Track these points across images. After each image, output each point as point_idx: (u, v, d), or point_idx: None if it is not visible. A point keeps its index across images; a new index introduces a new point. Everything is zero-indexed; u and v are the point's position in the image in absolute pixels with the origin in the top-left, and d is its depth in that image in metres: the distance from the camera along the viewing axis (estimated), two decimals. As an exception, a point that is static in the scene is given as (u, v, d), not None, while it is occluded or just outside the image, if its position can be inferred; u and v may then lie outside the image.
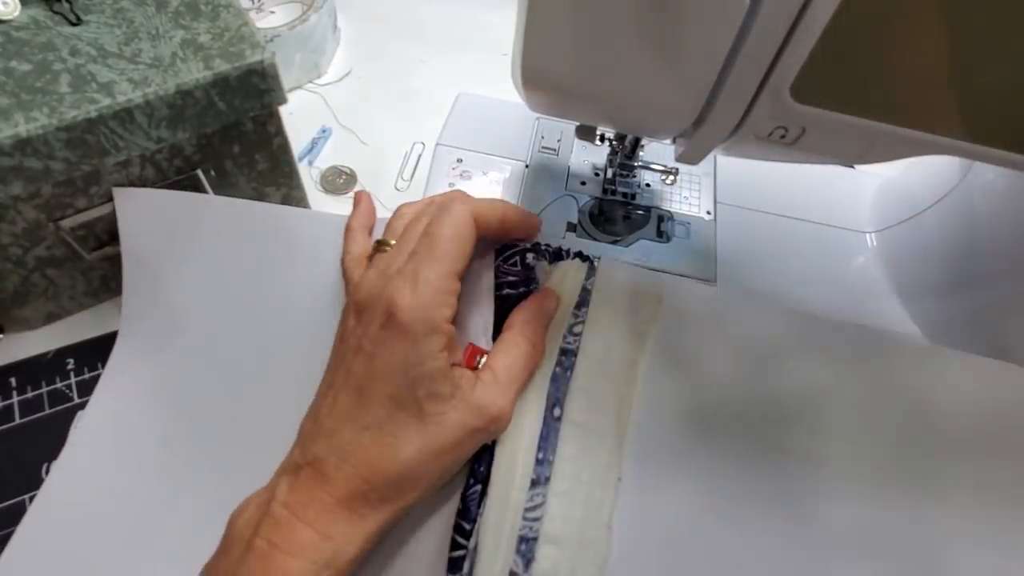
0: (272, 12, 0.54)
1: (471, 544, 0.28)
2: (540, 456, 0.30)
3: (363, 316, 0.28)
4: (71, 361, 0.37)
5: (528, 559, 0.28)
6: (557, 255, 0.34)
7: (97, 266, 0.38)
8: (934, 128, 0.24)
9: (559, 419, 0.31)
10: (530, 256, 0.33)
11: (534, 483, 0.29)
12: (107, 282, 0.39)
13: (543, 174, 0.45)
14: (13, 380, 0.36)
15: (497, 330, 0.32)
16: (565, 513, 0.29)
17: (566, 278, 0.34)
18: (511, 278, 0.33)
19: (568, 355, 0.32)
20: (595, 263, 0.34)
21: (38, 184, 0.31)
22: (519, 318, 0.31)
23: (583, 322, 0.33)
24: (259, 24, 0.50)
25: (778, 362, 0.34)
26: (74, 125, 0.29)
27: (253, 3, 0.54)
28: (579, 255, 0.34)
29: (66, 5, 0.33)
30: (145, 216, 0.35)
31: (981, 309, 0.39)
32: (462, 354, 0.30)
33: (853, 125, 0.24)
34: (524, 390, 0.30)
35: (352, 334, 0.28)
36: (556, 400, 0.31)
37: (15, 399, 0.35)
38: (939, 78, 0.22)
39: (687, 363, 0.34)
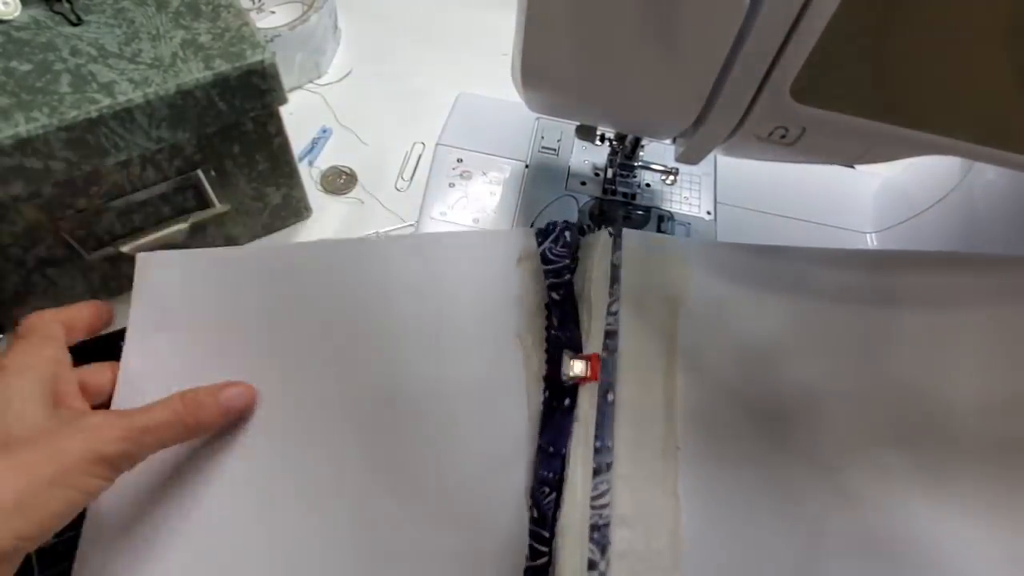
0: (272, 12, 0.54)
1: (553, 547, 0.28)
2: (598, 444, 0.30)
3: None
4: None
5: (603, 545, 0.28)
6: (581, 230, 0.36)
7: (97, 266, 0.38)
8: (934, 128, 0.24)
9: (612, 403, 0.31)
10: (567, 234, 0.35)
11: (596, 472, 0.29)
12: (107, 282, 0.39)
13: (543, 174, 0.45)
14: (13, 380, 0.36)
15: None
16: (632, 493, 0.29)
17: (595, 253, 0.34)
18: (561, 256, 0.34)
19: (612, 337, 0.32)
20: (620, 238, 0.35)
21: (38, 184, 0.31)
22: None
23: (618, 299, 0.33)
24: (259, 24, 0.50)
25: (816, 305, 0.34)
26: (74, 125, 0.29)
27: (253, 3, 0.54)
28: (605, 228, 0.35)
29: (67, 5, 0.33)
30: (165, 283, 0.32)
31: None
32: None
33: (853, 125, 0.24)
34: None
35: None
36: (608, 386, 0.31)
37: (15, 399, 0.35)
38: (939, 78, 0.22)
39: (722, 320, 0.34)
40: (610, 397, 0.31)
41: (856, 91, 0.23)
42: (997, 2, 0.20)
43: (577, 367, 0.31)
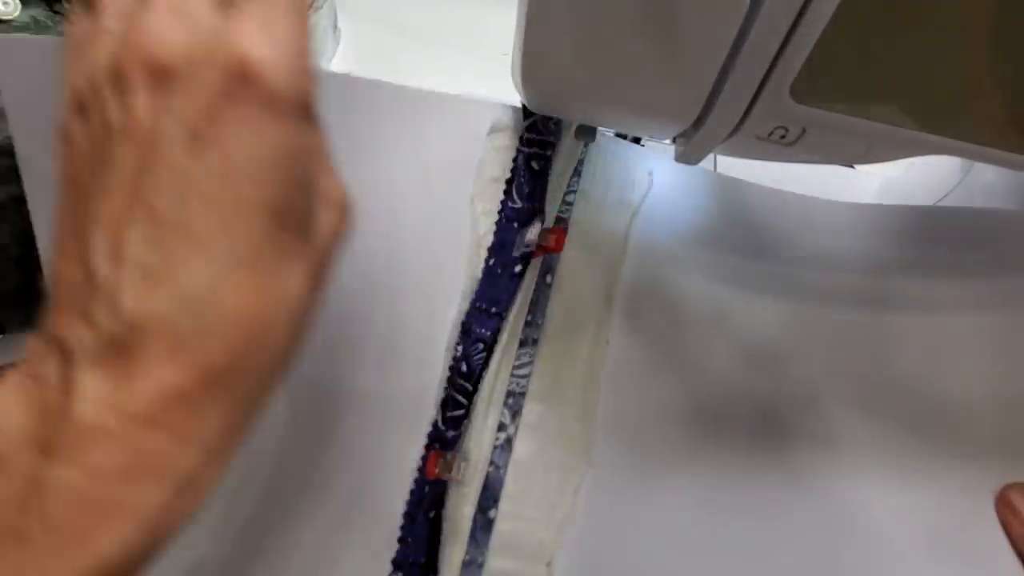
0: (272, 12, 0.54)
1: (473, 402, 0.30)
2: (529, 319, 0.31)
3: (173, 84, 0.16)
4: (71, 361, 0.37)
5: (515, 411, 0.30)
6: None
7: (97, 266, 0.37)
8: (934, 128, 0.24)
9: (550, 286, 0.32)
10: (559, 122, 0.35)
11: (522, 343, 0.31)
12: (107, 282, 0.39)
13: (543, 174, 0.45)
14: (13, 380, 0.36)
15: None
16: (551, 372, 0.31)
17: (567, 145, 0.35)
18: (550, 132, 0.34)
19: (561, 222, 0.33)
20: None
21: (38, 184, 0.31)
22: None
23: (575, 191, 0.34)
24: (259, 24, 0.50)
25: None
26: (74, 125, 0.29)
27: (253, 3, 0.54)
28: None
29: (67, 5, 0.33)
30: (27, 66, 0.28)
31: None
32: None
33: (853, 125, 0.24)
34: None
35: (149, 110, 0.16)
36: (550, 266, 0.32)
37: (15, 399, 0.35)
38: (939, 78, 0.22)
39: (677, 226, 0.35)
40: (548, 279, 0.32)
41: (856, 91, 0.23)
42: (997, 2, 0.20)
43: (533, 232, 0.32)
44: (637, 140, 0.41)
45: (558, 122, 0.35)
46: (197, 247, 0.16)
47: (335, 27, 0.55)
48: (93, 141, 0.17)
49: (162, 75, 0.16)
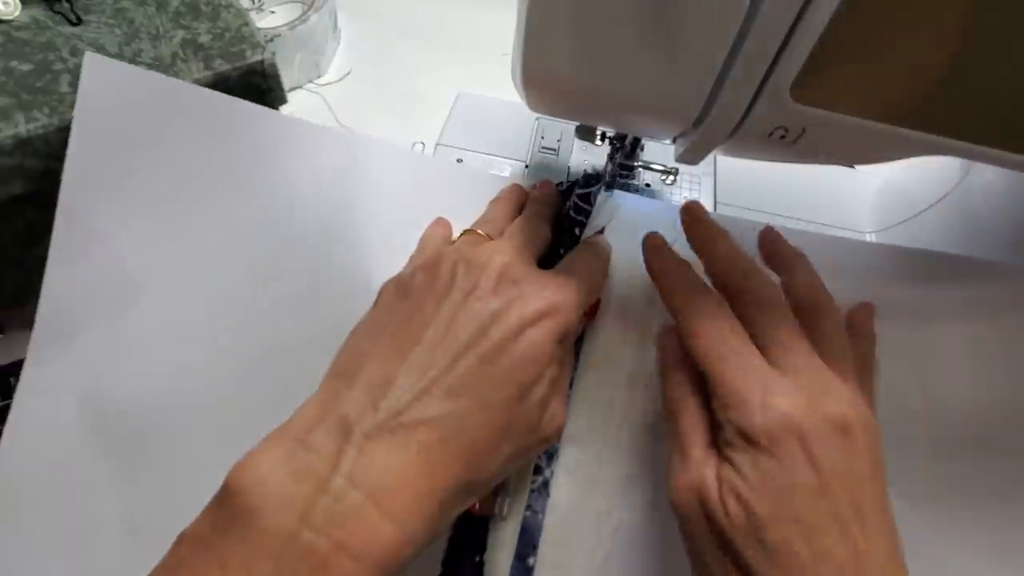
0: (272, 12, 0.54)
1: None
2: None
3: (512, 288, 0.24)
4: (71, 361, 0.37)
5: (551, 454, 0.30)
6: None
7: (97, 266, 0.38)
8: (934, 128, 0.24)
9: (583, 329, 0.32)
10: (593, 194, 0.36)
11: None
12: (107, 282, 0.39)
13: (543, 174, 0.45)
14: (13, 380, 0.36)
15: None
16: (589, 415, 0.31)
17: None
18: (582, 215, 0.35)
19: None
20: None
21: (39, 183, 0.31)
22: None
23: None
24: (259, 24, 0.50)
25: None
26: (74, 125, 0.29)
27: (253, 3, 0.54)
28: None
29: (66, 5, 0.33)
30: (112, 91, 0.31)
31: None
32: None
33: (853, 125, 0.24)
34: None
35: (489, 295, 0.24)
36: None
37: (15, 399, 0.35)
38: (939, 78, 0.22)
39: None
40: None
41: (856, 91, 0.23)
42: (997, 2, 0.20)
43: None
44: (637, 141, 0.41)
45: (589, 202, 0.36)
46: (465, 387, 0.22)
47: (335, 27, 0.55)
48: (443, 290, 0.25)
49: (472, 267, 0.25)
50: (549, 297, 0.24)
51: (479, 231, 0.29)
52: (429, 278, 0.25)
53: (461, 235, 0.30)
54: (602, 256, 0.31)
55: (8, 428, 0.31)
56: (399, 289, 0.25)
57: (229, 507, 0.19)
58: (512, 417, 0.22)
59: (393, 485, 0.19)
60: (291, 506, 0.18)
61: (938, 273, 0.35)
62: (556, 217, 0.34)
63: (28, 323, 0.38)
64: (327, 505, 0.18)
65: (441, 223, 0.34)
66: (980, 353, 0.32)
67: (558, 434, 0.26)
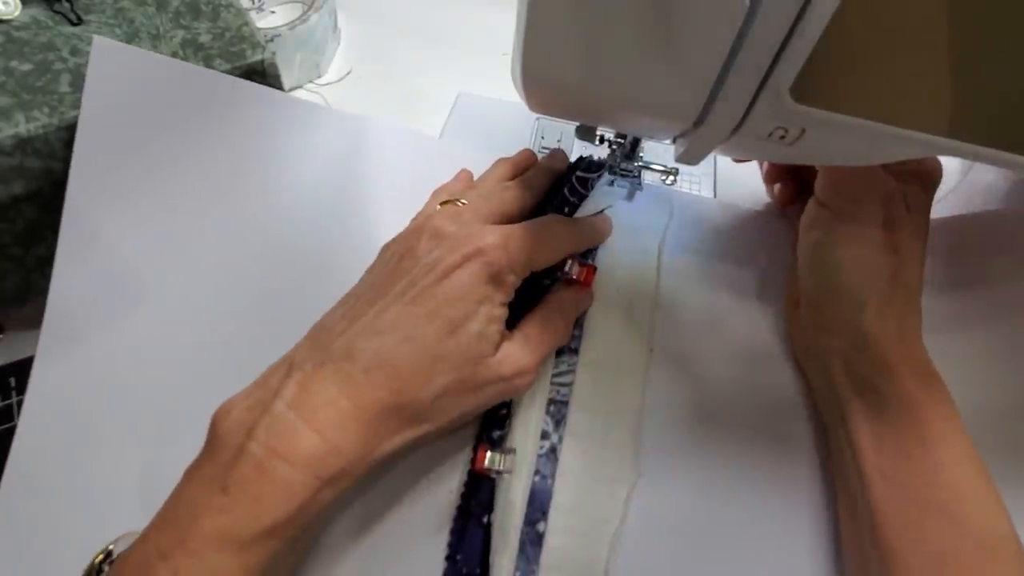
0: (272, 12, 0.54)
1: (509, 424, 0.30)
2: (576, 331, 0.32)
3: (443, 242, 0.28)
4: (71, 361, 0.37)
5: (558, 420, 0.30)
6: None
7: (97, 266, 0.38)
8: (934, 128, 0.24)
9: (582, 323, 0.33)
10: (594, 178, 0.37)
11: (561, 351, 0.31)
12: (107, 282, 0.39)
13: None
14: (13, 380, 0.36)
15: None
16: (595, 381, 0.31)
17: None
18: (576, 196, 0.36)
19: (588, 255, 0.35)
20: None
21: (39, 183, 0.31)
22: (564, 297, 0.32)
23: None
24: (259, 24, 0.50)
25: None
26: (74, 125, 0.29)
27: (253, 3, 0.54)
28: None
29: (67, 5, 0.33)
30: (121, 76, 0.32)
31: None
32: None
33: (853, 125, 0.24)
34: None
35: (425, 253, 0.28)
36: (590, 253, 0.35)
37: (15, 399, 0.35)
38: (939, 78, 0.22)
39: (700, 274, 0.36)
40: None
41: (856, 91, 0.23)
42: (997, 2, 0.20)
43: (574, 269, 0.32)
44: (637, 141, 0.41)
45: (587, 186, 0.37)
46: (391, 326, 0.26)
47: (335, 27, 0.55)
48: (406, 254, 0.29)
49: (438, 235, 0.29)
50: (475, 242, 0.27)
51: (459, 201, 0.32)
52: (393, 250, 0.30)
53: (440, 204, 0.33)
54: (573, 223, 0.34)
55: (18, 431, 0.32)
56: (397, 251, 0.30)
57: (209, 436, 0.24)
58: (444, 350, 0.26)
59: (320, 406, 0.23)
60: (242, 427, 0.23)
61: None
62: (553, 189, 0.35)
63: (28, 323, 0.38)
64: (268, 423, 0.23)
65: (446, 186, 0.37)
66: (986, 355, 0.32)
67: (520, 376, 0.28)
